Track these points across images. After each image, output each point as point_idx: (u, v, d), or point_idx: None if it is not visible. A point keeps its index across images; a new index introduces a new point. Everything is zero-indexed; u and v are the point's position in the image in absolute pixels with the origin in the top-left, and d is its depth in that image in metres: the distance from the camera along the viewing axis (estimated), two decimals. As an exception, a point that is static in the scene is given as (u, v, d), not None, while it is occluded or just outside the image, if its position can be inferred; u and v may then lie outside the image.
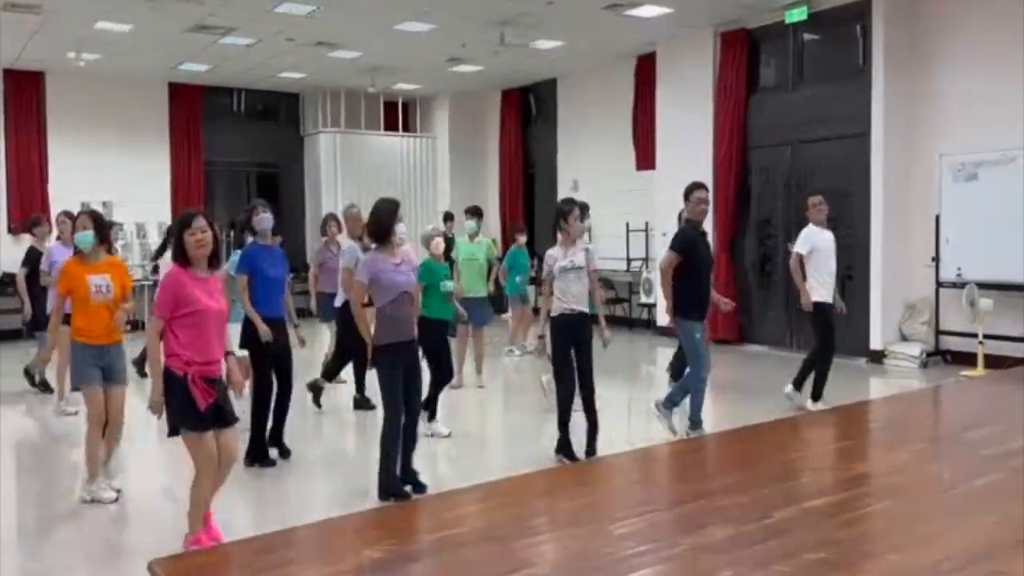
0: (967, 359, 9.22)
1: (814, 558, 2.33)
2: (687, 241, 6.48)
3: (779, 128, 11.25)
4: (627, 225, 13.43)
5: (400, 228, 5.23)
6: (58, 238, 8.38)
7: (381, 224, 5.18)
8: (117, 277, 5.37)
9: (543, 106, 15.75)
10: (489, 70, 14.25)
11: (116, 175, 14.20)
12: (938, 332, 9.83)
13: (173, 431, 4.27)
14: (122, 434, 5.56)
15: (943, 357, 9.76)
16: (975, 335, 8.96)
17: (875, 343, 10.00)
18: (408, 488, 5.19)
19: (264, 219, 5.99)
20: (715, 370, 9.61)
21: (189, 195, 14.89)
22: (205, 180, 15.36)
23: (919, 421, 4.59)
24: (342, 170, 15.78)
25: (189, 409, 4.17)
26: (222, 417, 4.30)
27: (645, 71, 13.16)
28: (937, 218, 9.66)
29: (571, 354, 5.96)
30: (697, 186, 6.58)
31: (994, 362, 8.76)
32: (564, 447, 6.00)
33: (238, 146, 15.80)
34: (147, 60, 13.06)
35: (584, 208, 6.66)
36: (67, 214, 8.02)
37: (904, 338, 10.00)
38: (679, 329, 6.53)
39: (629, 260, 13.51)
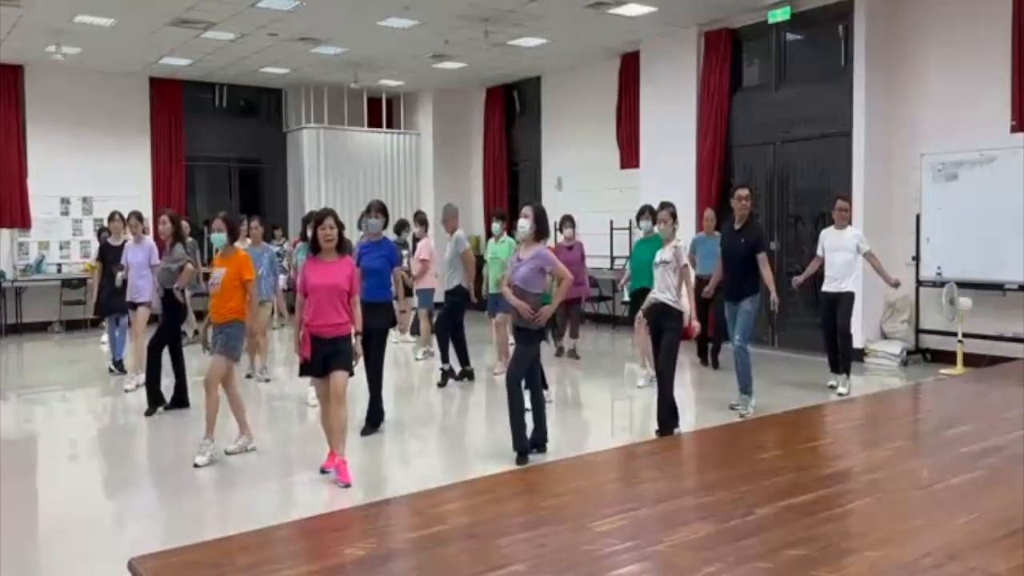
0: (947, 357, 9.30)
1: (795, 555, 2.34)
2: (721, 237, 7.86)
3: (762, 127, 11.30)
4: (611, 223, 13.45)
5: (521, 223, 6.14)
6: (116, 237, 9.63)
7: (542, 227, 6.19)
8: (234, 270, 6.26)
9: (527, 103, 15.74)
10: (473, 67, 14.23)
11: (96, 170, 14.11)
12: (918, 330, 9.91)
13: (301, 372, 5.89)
14: (213, 405, 6.26)
15: (923, 355, 9.83)
16: (955, 334, 9.04)
17: (856, 341, 10.05)
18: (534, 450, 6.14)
19: (372, 224, 7.15)
20: (698, 368, 9.78)
21: (170, 191, 14.80)
22: (187, 176, 15.27)
23: (899, 419, 4.61)
24: (325, 166, 15.71)
25: (304, 361, 5.69)
26: (326, 367, 5.62)
27: (629, 69, 13.18)
28: (918, 217, 9.73)
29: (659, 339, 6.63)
30: (738, 186, 7.91)
31: (973, 360, 8.85)
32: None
33: (220, 142, 15.70)
34: (128, 54, 12.95)
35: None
36: (138, 216, 9.07)
37: (885, 336, 10.07)
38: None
39: (613, 258, 13.53)
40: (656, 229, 7.25)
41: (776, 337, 11.10)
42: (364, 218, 7.34)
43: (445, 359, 9.07)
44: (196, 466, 6.04)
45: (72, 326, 13.77)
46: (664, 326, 6.57)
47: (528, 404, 6.24)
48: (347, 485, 5.56)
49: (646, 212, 8.66)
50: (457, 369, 9.11)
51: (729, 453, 3.69)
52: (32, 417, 8.37)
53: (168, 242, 7.95)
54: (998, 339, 9.00)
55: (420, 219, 10.51)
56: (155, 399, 7.80)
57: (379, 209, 7.23)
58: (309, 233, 7.82)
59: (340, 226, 5.75)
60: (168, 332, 7.88)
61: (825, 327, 8.52)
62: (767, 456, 3.46)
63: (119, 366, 9.79)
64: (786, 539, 2.47)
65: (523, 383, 6.17)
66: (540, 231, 6.16)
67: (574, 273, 10.50)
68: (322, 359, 5.63)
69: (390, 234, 10.76)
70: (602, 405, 8.81)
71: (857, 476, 3.23)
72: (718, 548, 2.42)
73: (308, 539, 2.69)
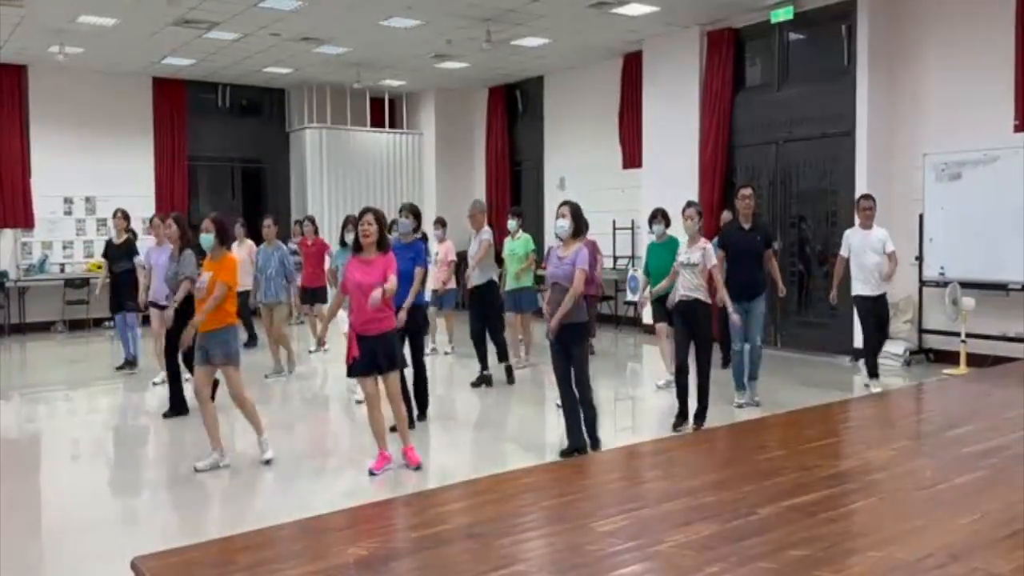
0: (950, 357, 9.29)
1: (798, 555, 2.34)
2: (723, 236, 7.85)
3: (764, 127, 11.29)
4: (613, 223, 13.44)
5: (561, 223, 6.15)
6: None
7: (580, 224, 6.19)
8: (217, 274, 5.95)
9: (530, 103, 15.75)
10: (475, 67, 14.23)
11: (99, 170, 14.14)
12: (921, 331, 9.89)
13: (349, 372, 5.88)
14: (249, 411, 6.16)
15: (926, 355, 9.82)
16: (958, 334, 9.02)
17: (859, 342, 10.04)
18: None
19: (402, 224, 7.16)
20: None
21: (173, 190, 14.83)
22: (189, 175, 15.29)
23: (902, 419, 4.61)
24: (328, 166, 15.73)
25: (352, 360, 5.68)
26: (378, 366, 5.66)
27: (631, 69, 13.18)
28: (920, 217, 9.71)
29: (689, 338, 6.83)
30: (742, 186, 7.99)
31: (976, 360, 8.83)
32: (679, 417, 6.92)
33: (223, 142, 15.73)
34: (131, 54, 12.97)
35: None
36: (160, 218, 8.95)
37: (888, 336, 10.05)
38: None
39: (615, 258, 13.52)
40: (682, 227, 7.17)
41: (779, 336, 11.09)
42: (399, 218, 7.35)
43: (484, 362, 8.89)
44: (266, 462, 6.12)
45: (75, 326, 13.80)
46: (699, 323, 6.82)
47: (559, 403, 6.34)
48: (418, 467, 5.88)
49: (659, 216, 8.36)
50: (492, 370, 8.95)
51: (732, 453, 3.69)
52: (35, 416, 8.39)
53: (176, 246, 7.62)
54: (1001, 339, 8.99)
55: (442, 222, 10.67)
56: (176, 405, 7.66)
57: (410, 210, 7.22)
58: (347, 237, 7.85)
59: (380, 223, 5.71)
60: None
61: (866, 331, 8.44)
62: (770, 456, 3.46)
63: (131, 363, 9.88)
64: (789, 539, 2.46)
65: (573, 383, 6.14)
66: (579, 229, 6.17)
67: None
68: (371, 357, 5.65)
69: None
70: (605, 405, 8.78)
71: (860, 476, 3.23)
72: (721, 548, 2.42)
73: (310, 538, 2.69)
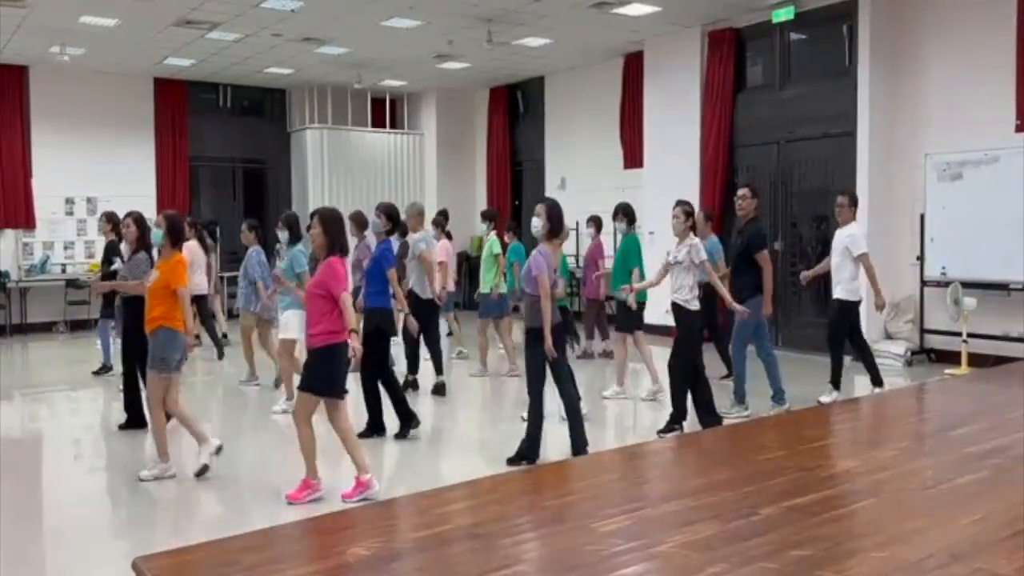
0: (951, 357, 9.28)
1: (799, 555, 2.34)
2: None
3: (765, 127, 11.29)
4: (615, 224, 13.42)
5: (534, 222, 5.83)
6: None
7: (555, 224, 5.79)
8: (164, 276, 5.75)
9: (531, 103, 15.75)
10: (477, 67, 14.24)
11: (101, 170, 14.15)
12: (923, 331, 9.89)
13: None
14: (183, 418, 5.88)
15: (927, 355, 9.82)
16: (959, 334, 9.02)
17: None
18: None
19: (373, 223, 6.94)
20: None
21: (174, 191, 14.84)
22: (190, 176, 15.30)
23: (903, 419, 4.61)
24: (329, 167, 15.74)
25: None
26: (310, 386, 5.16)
27: (633, 69, 13.18)
28: (922, 217, 9.71)
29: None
30: (741, 187, 7.71)
31: (977, 360, 8.83)
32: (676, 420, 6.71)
33: (224, 142, 15.73)
34: (132, 54, 12.98)
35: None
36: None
37: (889, 336, 10.05)
38: None
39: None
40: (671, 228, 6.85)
41: (780, 336, 11.08)
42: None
43: (413, 368, 8.60)
44: (140, 480, 5.72)
45: (76, 326, 13.80)
46: (678, 325, 6.71)
47: (563, 413, 6.01)
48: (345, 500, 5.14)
49: (619, 212, 8.20)
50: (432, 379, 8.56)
51: (733, 453, 3.69)
52: (36, 416, 8.39)
53: (131, 248, 7.05)
54: (1003, 339, 8.99)
55: (437, 222, 10.47)
56: (134, 416, 7.03)
57: (382, 209, 7.02)
58: (280, 236, 7.44)
59: (324, 223, 5.17)
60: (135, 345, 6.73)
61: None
62: (771, 456, 3.46)
63: (108, 368, 9.68)
64: (790, 539, 2.46)
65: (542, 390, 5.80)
66: (554, 229, 5.73)
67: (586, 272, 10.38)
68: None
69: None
70: (606, 406, 8.77)
71: (861, 476, 3.22)
72: (723, 548, 2.42)
73: (313, 538, 2.69)
